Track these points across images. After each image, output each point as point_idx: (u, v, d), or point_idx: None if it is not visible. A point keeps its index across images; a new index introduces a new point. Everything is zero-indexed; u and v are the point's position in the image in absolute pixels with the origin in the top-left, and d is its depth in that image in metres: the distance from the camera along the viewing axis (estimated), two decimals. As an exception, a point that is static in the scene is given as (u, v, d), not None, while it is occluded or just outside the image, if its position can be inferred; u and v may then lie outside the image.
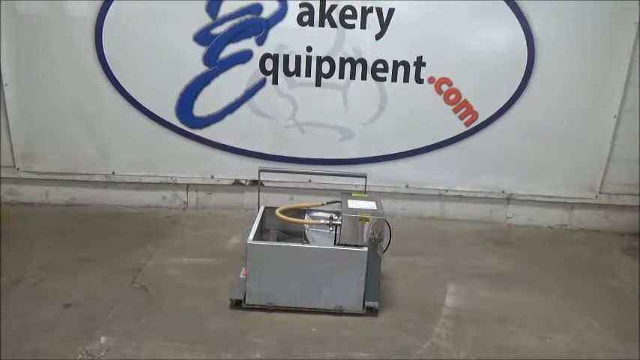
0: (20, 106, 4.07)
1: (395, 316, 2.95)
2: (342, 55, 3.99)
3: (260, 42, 3.95)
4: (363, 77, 4.04)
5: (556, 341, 2.80)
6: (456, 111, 4.11)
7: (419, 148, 4.22)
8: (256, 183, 3.21)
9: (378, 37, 3.94)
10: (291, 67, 4.01)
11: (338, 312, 2.90)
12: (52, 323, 2.71)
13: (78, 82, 4.01)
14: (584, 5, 3.83)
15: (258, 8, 3.88)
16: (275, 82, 4.05)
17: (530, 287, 3.37)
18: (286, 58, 3.99)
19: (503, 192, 4.35)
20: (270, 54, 3.98)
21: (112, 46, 3.94)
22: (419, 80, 4.03)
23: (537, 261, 3.78)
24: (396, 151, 4.23)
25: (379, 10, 3.87)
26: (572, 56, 3.97)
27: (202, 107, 4.11)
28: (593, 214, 4.42)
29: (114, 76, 4.01)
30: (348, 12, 3.88)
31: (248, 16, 3.89)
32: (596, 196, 4.31)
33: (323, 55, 3.99)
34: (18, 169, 4.22)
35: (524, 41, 3.91)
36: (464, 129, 4.16)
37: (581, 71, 4.01)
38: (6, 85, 4.00)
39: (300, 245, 2.92)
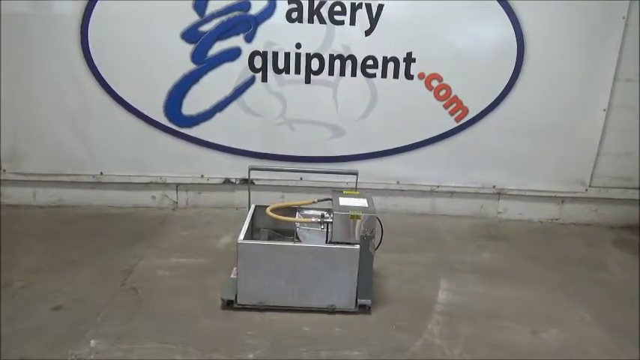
0: (5, 106, 3.99)
1: (388, 313, 2.93)
2: (332, 52, 3.96)
3: (249, 39, 3.92)
4: (353, 74, 4.02)
5: (549, 335, 2.81)
6: (446, 107, 4.10)
7: (409, 145, 4.22)
8: (247, 181, 3.19)
9: (368, 33, 3.92)
10: (281, 65, 3.98)
11: (330, 310, 2.88)
12: (40, 327, 2.67)
13: (64, 81, 3.96)
14: (572, 1, 3.83)
15: (246, 5, 3.84)
16: (264, 79, 4.02)
17: (522, 282, 3.38)
18: (275, 55, 3.96)
19: (494, 187, 4.35)
20: (259, 51, 3.95)
21: (99, 45, 3.89)
22: (409, 76, 4.02)
23: (529, 255, 3.79)
24: (387, 148, 4.22)
25: (368, 6, 3.85)
26: (561, 51, 3.97)
27: (191, 105, 4.07)
28: (583, 207, 4.44)
29: (101, 75, 3.95)
30: (337, 8, 3.85)
31: (236, 13, 3.85)
32: (586, 190, 4.34)
33: (312, 52, 3.96)
34: (4, 170, 4.16)
35: (514, 37, 3.92)
36: (454, 125, 4.15)
37: (570, 66, 4.02)
38: (-10, 85, 3.94)
39: (291, 244, 2.89)
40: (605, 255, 3.89)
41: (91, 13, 3.80)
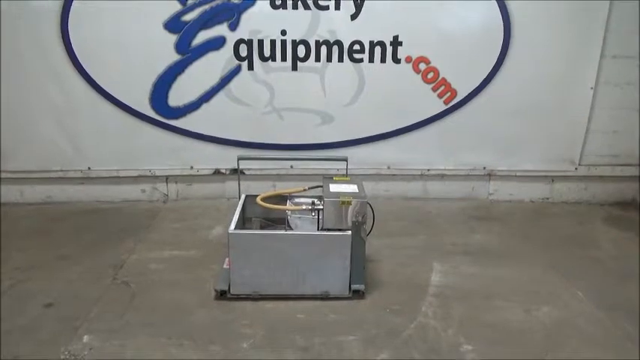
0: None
1: (381, 297, 2.94)
2: (318, 38, 3.93)
3: (233, 27, 3.87)
4: (340, 59, 3.99)
5: (542, 313, 2.82)
6: (434, 90, 4.09)
7: (399, 129, 4.20)
8: (237, 172, 3.16)
9: (353, 17, 3.89)
10: (266, 52, 3.94)
11: (324, 297, 2.88)
12: (32, 325, 2.64)
13: (47, 77, 3.90)
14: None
15: (228, -7, 3.79)
16: (250, 67, 3.98)
17: (514, 261, 3.39)
18: (260, 43, 3.92)
19: (484, 168, 4.36)
20: (244, 39, 3.90)
21: (80, 39, 3.83)
22: (396, 60, 3.99)
23: (521, 235, 3.81)
24: (377, 133, 4.21)
25: (353, -10, 3.82)
26: (547, 31, 3.97)
27: (177, 97, 4.03)
28: (573, 186, 4.46)
29: (84, 69, 3.90)
30: (322, -7, 3.81)
31: (219, 1, 3.80)
32: (576, 169, 4.36)
33: (298, 39, 3.92)
34: (-8, 169, 4.11)
35: (500, 17, 3.90)
36: (443, 107, 4.14)
37: (557, 45, 4.01)
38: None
39: (283, 232, 2.89)
40: (596, 232, 3.92)
41: (70, 6, 3.73)
